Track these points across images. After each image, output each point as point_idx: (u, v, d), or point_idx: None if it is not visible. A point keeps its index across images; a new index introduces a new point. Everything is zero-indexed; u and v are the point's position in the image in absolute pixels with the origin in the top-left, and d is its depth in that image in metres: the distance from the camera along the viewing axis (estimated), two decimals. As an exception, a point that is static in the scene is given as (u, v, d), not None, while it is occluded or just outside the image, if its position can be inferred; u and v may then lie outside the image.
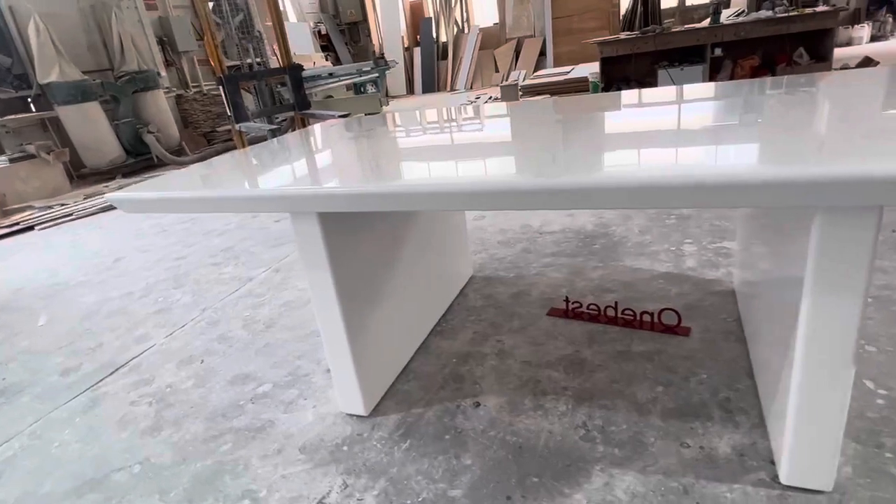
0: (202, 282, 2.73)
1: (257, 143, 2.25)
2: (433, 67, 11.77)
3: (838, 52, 5.98)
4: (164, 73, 7.84)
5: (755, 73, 5.70)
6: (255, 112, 4.74)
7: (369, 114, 4.28)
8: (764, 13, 5.41)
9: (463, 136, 1.58)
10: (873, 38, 8.80)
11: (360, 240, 1.46)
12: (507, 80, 10.68)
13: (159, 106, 7.29)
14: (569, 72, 8.91)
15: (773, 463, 1.17)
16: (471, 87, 11.37)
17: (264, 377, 1.80)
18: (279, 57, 4.77)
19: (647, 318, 1.76)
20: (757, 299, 1.50)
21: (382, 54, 6.83)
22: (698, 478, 1.17)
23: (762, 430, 1.26)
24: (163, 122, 7.30)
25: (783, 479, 1.11)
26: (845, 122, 1.07)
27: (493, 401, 1.51)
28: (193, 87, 8.54)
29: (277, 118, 5.08)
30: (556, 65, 10.53)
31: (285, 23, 6.27)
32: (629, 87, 6.25)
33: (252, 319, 2.23)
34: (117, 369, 2.00)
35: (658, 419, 1.35)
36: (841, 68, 5.52)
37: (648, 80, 6.19)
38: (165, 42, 8.17)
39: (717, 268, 2.09)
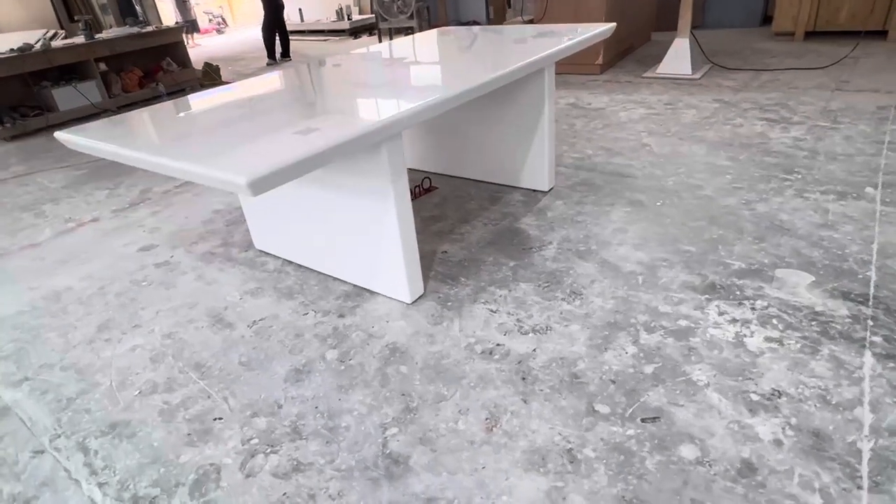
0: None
1: None
2: None
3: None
4: None
5: (142, 82, 6.33)
6: None
7: None
8: (129, 29, 6.00)
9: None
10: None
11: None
12: None
13: None
14: None
15: (535, 190, 2.74)
16: None
17: (313, 356, 1.78)
18: None
19: (419, 189, 2.88)
20: (457, 153, 2.94)
21: None
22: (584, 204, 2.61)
23: (524, 190, 2.80)
24: None
25: (545, 188, 2.71)
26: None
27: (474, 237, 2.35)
28: None
29: None
30: None
31: None
32: (13, 112, 5.48)
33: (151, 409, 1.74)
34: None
35: (548, 195, 2.65)
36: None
37: (36, 104, 5.65)
38: None
39: (385, 168, 3.33)
